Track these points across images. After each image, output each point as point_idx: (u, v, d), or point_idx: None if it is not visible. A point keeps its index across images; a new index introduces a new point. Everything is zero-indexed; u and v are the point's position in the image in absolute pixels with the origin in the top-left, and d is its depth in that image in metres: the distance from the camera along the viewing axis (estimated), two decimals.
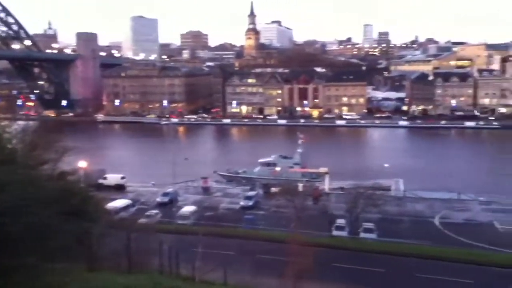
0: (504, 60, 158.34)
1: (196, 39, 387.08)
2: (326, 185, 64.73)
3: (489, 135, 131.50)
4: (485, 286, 34.89)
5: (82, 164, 56.54)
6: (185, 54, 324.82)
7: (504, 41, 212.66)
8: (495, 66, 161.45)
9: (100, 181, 65.43)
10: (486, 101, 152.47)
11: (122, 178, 68.46)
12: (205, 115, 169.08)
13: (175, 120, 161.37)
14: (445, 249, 41.61)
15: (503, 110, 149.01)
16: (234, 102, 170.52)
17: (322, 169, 67.39)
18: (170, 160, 59.44)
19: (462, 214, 53.86)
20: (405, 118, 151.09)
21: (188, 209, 53.44)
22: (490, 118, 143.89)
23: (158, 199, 59.01)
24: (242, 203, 57.66)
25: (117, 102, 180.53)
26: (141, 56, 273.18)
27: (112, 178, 67.66)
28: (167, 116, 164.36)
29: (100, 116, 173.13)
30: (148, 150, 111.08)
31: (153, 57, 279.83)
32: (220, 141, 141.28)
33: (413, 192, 62.60)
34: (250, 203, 57.25)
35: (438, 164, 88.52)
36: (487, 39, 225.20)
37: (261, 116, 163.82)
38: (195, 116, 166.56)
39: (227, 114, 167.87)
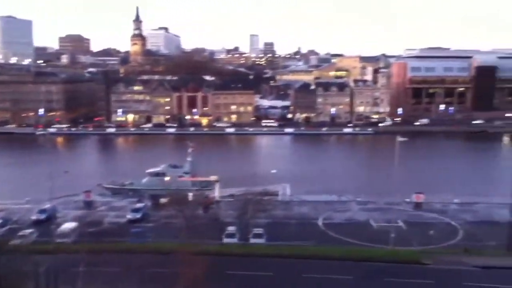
0: (375, 72, 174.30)
1: (76, 43, 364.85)
2: (217, 193, 64.82)
3: (365, 140, 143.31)
4: (363, 280, 37.55)
5: None
6: (64, 59, 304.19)
7: (376, 53, 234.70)
8: (368, 77, 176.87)
9: None
10: (361, 109, 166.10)
11: None
12: (87, 124, 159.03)
13: (52, 130, 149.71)
14: (328, 248, 44.10)
15: (375, 116, 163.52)
16: (120, 110, 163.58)
17: (213, 177, 67.36)
18: (47, 174, 54.83)
19: (342, 214, 57.63)
20: (275, 124, 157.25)
21: (68, 226, 49.67)
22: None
23: (34, 217, 53.91)
24: (129, 216, 55.19)
25: None
26: (13, 60, 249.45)
27: None
28: (43, 125, 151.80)
29: None
30: (22, 163, 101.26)
31: (27, 61, 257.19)
32: (104, 152, 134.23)
33: (299, 196, 65.54)
34: (138, 215, 55.03)
35: (321, 168, 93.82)
36: (361, 51, 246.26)
37: (149, 125, 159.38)
38: (64, 126, 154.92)
39: (112, 123, 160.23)
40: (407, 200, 62.22)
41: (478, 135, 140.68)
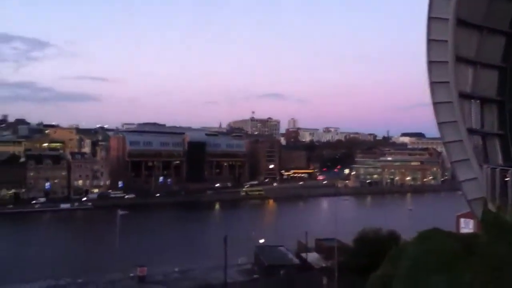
0: (94, 144, 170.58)
1: None
2: None
3: (84, 215, 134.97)
4: None
5: None
6: None
7: (93, 126, 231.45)
8: (87, 149, 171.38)
9: None
10: (80, 182, 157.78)
11: None
12: None
13: None
14: None
15: (95, 190, 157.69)
16: None
17: None
18: None
19: None
20: None
21: None
22: (83, 199, 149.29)
23: None
24: None
25: None
26: None
27: None
28: None
29: None
30: None
31: None
32: None
33: None
34: None
35: (34, 251, 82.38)
36: (79, 123, 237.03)
37: None
38: None
39: None
40: (131, 274, 60.40)
41: (194, 205, 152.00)
